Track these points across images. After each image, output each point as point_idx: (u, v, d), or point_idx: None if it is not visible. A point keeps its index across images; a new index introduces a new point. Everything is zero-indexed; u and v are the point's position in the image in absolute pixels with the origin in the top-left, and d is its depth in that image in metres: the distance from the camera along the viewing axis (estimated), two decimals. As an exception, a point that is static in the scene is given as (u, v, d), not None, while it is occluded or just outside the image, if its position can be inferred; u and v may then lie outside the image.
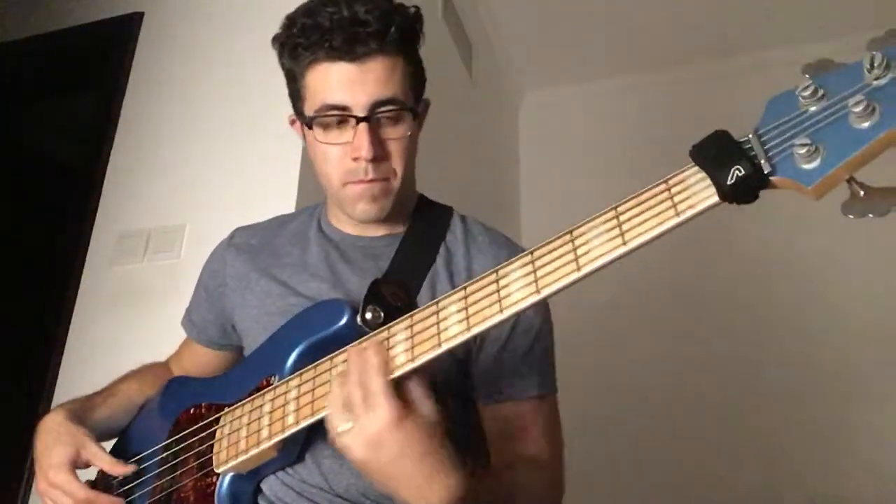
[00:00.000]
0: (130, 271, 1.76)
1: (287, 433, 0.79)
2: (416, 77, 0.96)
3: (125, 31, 2.06)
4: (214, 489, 0.85)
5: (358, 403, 0.69)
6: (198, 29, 2.00)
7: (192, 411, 0.95)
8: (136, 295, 1.72)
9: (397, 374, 0.70)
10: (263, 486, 0.89)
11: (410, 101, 0.93)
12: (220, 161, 1.78)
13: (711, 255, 2.97)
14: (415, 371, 0.71)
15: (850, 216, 0.56)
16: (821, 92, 0.57)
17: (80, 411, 0.99)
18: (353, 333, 0.79)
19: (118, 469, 0.93)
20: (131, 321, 1.69)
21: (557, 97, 3.60)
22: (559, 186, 3.31)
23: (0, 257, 2.38)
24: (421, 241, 0.99)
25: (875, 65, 0.55)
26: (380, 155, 0.91)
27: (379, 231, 1.01)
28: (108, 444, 1.04)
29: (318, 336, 0.85)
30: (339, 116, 0.90)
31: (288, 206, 1.58)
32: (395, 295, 0.87)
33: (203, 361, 1.14)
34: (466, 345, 0.90)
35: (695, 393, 2.80)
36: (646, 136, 3.09)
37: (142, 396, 1.08)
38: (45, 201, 2.24)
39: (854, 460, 2.59)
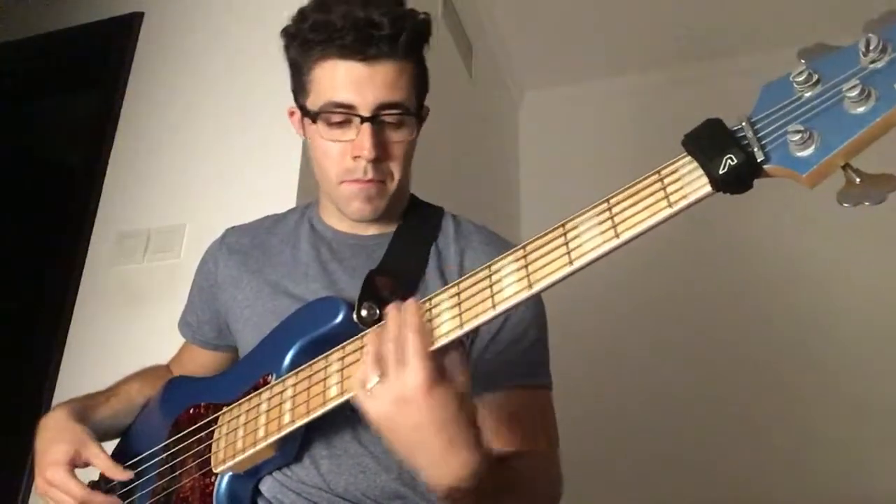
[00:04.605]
0: (130, 271, 1.76)
1: (283, 432, 0.79)
2: (421, 83, 0.96)
3: (125, 31, 2.06)
4: (213, 489, 0.85)
5: (391, 359, 0.67)
6: (198, 29, 2.00)
7: (191, 411, 0.95)
8: (136, 295, 1.72)
9: (438, 345, 0.69)
10: (262, 487, 0.89)
11: (415, 107, 0.94)
12: (220, 161, 1.78)
13: (712, 253, 2.98)
14: (455, 343, 0.70)
15: (846, 204, 0.54)
16: (815, 77, 0.56)
17: (83, 410, 0.99)
18: (349, 331, 0.79)
19: (116, 473, 0.92)
20: (131, 321, 1.69)
21: (557, 97, 3.59)
22: (559, 186, 3.30)
23: (0, 257, 2.37)
24: (412, 237, 0.99)
25: (871, 48, 0.53)
26: (381, 156, 0.91)
27: (371, 229, 1.01)
28: (111, 445, 1.05)
29: (315, 334, 0.85)
30: (345, 114, 0.90)
31: (288, 205, 1.57)
32: (389, 289, 0.87)
33: (201, 363, 1.14)
34: (460, 339, 0.91)
35: (693, 391, 2.80)
36: (646, 137, 3.08)
37: (143, 397, 1.07)
38: (45, 201, 2.24)
39: (849, 460, 2.59)
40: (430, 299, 0.72)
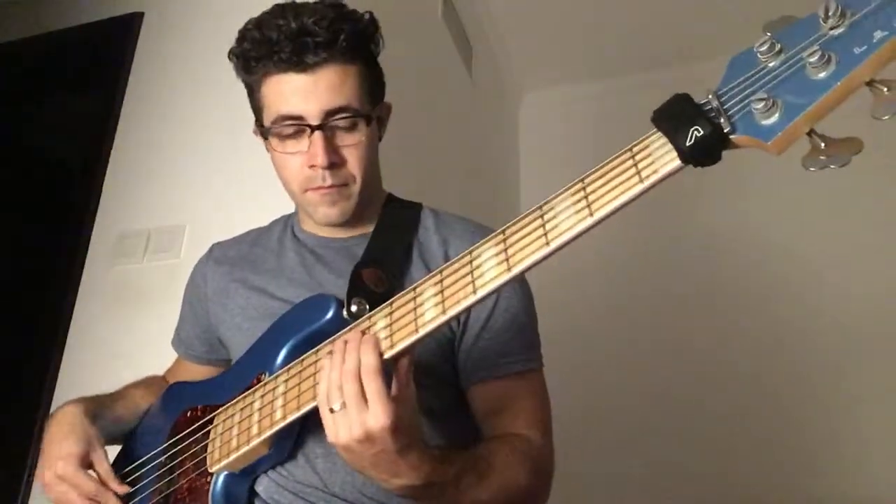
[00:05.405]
0: (130, 271, 1.76)
1: (275, 428, 0.79)
2: (371, 82, 0.96)
3: (125, 31, 2.06)
4: (209, 489, 0.85)
5: (353, 395, 0.69)
6: (198, 29, 2.00)
7: (188, 414, 0.96)
8: (136, 295, 1.72)
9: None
10: (258, 487, 0.89)
11: (366, 108, 0.94)
12: (221, 161, 1.78)
13: (701, 253, 2.98)
14: (403, 353, 0.71)
15: (812, 169, 0.55)
16: (778, 46, 0.57)
17: (95, 410, 0.99)
18: (340, 327, 0.79)
19: (112, 484, 0.93)
20: (131, 321, 1.69)
21: (557, 97, 3.59)
22: (559, 186, 3.30)
23: (0, 257, 2.37)
24: (392, 231, 1.00)
25: (830, 14, 0.54)
26: (336, 162, 0.92)
27: (351, 231, 1.02)
28: (114, 450, 1.05)
29: (307, 331, 0.85)
30: (294, 126, 0.91)
31: (288, 206, 1.57)
32: (376, 281, 0.88)
33: (194, 377, 1.14)
34: (450, 329, 0.92)
35: (691, 391, 2.80)
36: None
37: (146, 402, 1.08)
38: (45, 201, 2.23)
39: (840, 461, 2.59)
40: (414, 289, 0.72)
